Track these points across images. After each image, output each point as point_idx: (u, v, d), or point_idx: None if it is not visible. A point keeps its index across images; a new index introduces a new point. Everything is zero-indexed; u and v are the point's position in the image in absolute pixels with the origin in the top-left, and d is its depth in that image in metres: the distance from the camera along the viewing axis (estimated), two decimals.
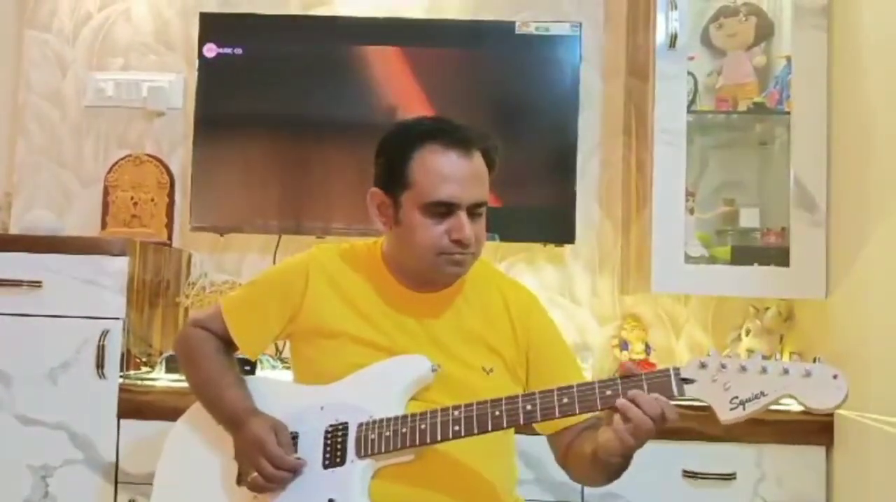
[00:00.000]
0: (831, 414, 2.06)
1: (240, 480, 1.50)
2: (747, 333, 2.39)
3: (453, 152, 1.48)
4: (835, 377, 1.23)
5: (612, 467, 1.43)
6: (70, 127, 2.77)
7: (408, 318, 1.56)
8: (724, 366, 1.28)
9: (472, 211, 1.50)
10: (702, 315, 2.60)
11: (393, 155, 1.53)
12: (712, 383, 1.28)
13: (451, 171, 1.48)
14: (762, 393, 1.25)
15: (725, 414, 1.26)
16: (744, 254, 2.28)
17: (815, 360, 1.25)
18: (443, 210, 1.48)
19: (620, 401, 1.31)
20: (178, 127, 2.74)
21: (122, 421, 2.18)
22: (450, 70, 2.56)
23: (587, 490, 2.09)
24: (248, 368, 2.11)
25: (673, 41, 2.23)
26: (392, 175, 1.52)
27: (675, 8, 2.22)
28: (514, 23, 2.55)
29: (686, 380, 1.30)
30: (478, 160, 1.51)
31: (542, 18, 2.58)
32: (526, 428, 1.48)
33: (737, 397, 1.26)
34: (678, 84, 2.27)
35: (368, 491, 1.42)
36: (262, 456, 1.43)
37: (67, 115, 2.77)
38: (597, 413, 1.39)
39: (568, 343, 1.71)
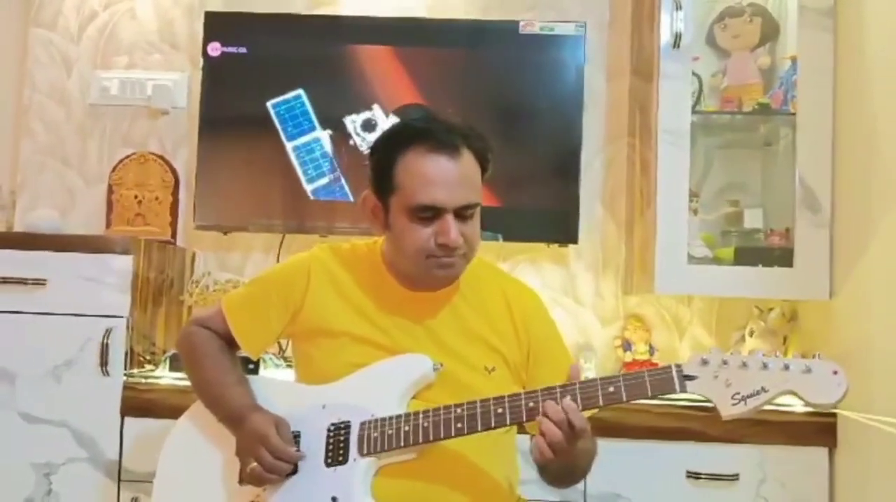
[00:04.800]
0: (834, 416, 2.06)
1: (241, 478, 1.50)
2: (751, 334, 2.39)
3: (439, 155, 1.47)
4: (835, 373, 1.24)
5: (553, 471, 1.49)
6: (74, 125, 2.78)
7: (409, 317, 1.56)
8: (725, 363, 1.29)
9: (461, 213, 1.48)
10: (705, 316, 2.60)
11: (381, 158, 1.52)
12: (714, 379, 1.28)
13: (436, 175, 1.46)
14: (763, 389, 1.25)
15: (727, 410, 1.27)
16: (748, 255, 2.28)
17: (815, 356, 1.26)
18: (429, 214, 1.47)
19: (539, 417, 1.33)
20: (182, 125, 2.75)
21: (125, 419, 2.18)
22: (453, 70, 2.56)
23: (589, 490, 2.09)
24: (251, 367, 2.11)
25: (677, 41, 2.23)
26: (380, 179, 1.52)
27: (680, 8, 2.22)
28: (518, 23, 2.55)
29: (688, 377, 1.30)
30: (466, 161, 1.49)
31: (546, 18, 2.58)
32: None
33: (738, 393, 1.26)
34: (683, 84, 2.27)
35: (371, 490, 1.42)
36: (263, 447, 1.44)
37: (72, 113, 2.78)
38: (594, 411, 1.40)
39: (566, 345, 1.71)
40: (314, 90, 2.58)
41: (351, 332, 1.55)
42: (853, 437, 2.00)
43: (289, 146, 2.58)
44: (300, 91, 2.59)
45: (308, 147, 2.57)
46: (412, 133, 1.51)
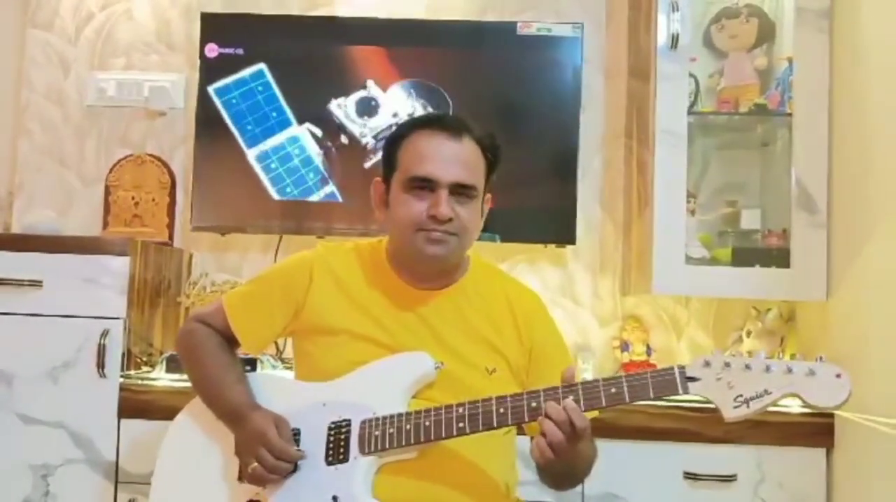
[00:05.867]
0: (832, 416, 2.06)
1: (241, 476, 1.50)
2: (748, 335, 2.40)
3: (440, 134, 1.52)
4: (838, 376, 1.24)
5: (553, 473, 1.49)
6: (72, 126, 2.77)
7: (411, 316, 1.56)
8: (728, 365, 1.29)
9: (457, 192, 1.51)
10: (703, 316, 2.60)
11: (388, 144, 1.59)
12: (716, 381, 1.28)
13: (433, 150, 1.51)
14: (766, 392, 1.25)
15: (730, 412, 1.27)
16: (745, 256, 2.29)
17: (818, 359, 1.26)
18: (423, 186, 1.50)
19: (541, 418, 1.33)
20: (179, 127, 2.75)
21: (122, 420, 2.18)
22: (451, 71, 2.56)
23: (587, 491, 2.09)
24: (248, 368, 2.11)
25: (674, 42, 2.24)
26: (386, 162, 1.58)
27: (677, 9, 2.23)
28: (515, 23, 2.55)
29: (691, 379, 1.30)
30: (467, 146, 1.53)
31: (543, 19, 2.59)
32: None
33: (741, 395, 1.26)
34: (680, 85, 2.27)
35: (372, 488, 1.42)
36: (263, 447, 1.44)
37: (69, 114, 2.77)
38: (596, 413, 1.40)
39: (568, 347, 1.71)
40: (282, 70, 2.51)
41: (352, 330, 1.55)
42: (850, 438, 2.00)
43: (250, 154, 2.50)
44: (261, 66, 2.51)
45: (280, 152, 2.52)
46: (420, 119, 1.62)
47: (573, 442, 1.32)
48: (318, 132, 2.54)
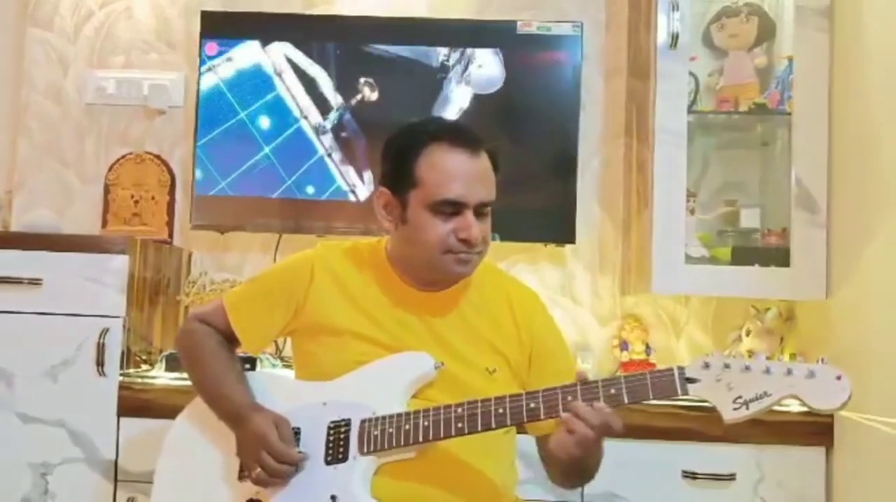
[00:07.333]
0: (831, 416, 2.06)
1: (241, 476, 1.51)
2: (748, 334, 2.39)
3: (460, 151, 1.49)
4: (838, 378, 1.24)
5: (568, 470, 1.50)
6: (71, 125, 2.77)
7: (411, 316, 1.56)
8: (727, 366, 1.29)
9: (479, 210, 1.50)
10: (702, 315, 2.60)
11: (400, 154, 1.53)
12: (716, 383, 1.28)
13: (458, 170, 1.48)
14: (766, 394, 1.25)
15: (729, 414, 1.27)
16: (744, 255, 2.29)
17: (819, 361, 1.26)
18: (450, 209, 1.48)
19: (565, 414, 1.33)
20: (178, 125, 2.74)
21: (121, 419, 2.18)
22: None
23: (587, 490, 2.09)
24: (248, 366, 2.11)
25: (674, 41, 2.23)
26: (399, 174, 1.52)
27: (677, 8, 2.23)
28: (515, 22, 2.55)
29: (690, 380, 1.30)
30: (484, 160, 1.51)
31: (543, 18, 2.58)
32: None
33: (740, 397, 1.26)
34: (679, 84, 2.27)
35: (371, 488, 1.42)
36: (264, 450, 1.44)
37: (68, 112, 2.77)
38: None
39: (569, 346, 1.71)
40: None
41: (352, 330, 1.55)
42: (850, 437, 2.00)
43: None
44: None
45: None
46: (433, 129, 1.54)
47: (599, 441, 1.34)
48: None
